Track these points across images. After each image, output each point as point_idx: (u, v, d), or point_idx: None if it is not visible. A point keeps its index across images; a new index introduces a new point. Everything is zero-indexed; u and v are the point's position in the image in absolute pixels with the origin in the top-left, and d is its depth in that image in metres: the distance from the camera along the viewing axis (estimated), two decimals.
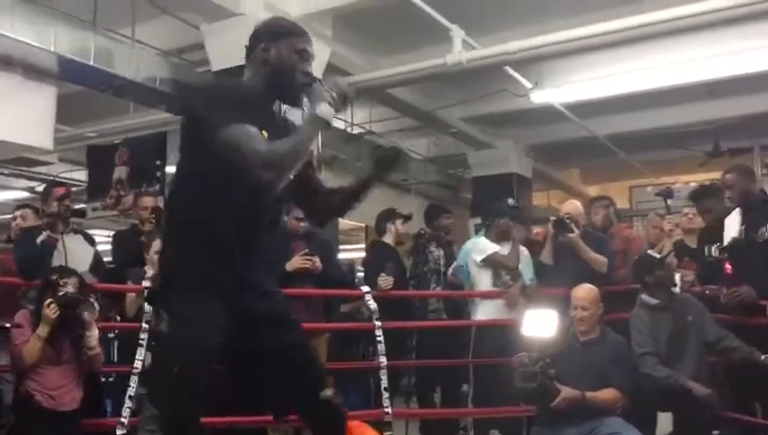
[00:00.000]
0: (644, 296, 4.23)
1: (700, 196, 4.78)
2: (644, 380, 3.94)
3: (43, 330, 3.79)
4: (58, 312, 3.79)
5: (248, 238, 2.33)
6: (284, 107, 2.38)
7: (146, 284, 4.26)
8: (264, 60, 2.37)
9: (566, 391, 3.64)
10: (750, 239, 4.11)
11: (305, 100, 2.30)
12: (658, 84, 7.27)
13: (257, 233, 2.37)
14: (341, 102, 2.24)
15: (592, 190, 12.41)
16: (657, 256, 4.31)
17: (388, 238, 5.39)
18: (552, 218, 5.06)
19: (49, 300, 3.80)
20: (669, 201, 5.90)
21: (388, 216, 5.44)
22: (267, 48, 2.37)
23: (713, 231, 4.53)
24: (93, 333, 3.89)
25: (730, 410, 3.99)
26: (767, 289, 3.86)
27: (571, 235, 4.84)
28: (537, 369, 3.62)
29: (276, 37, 2.39)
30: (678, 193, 6.36)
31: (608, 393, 3.73)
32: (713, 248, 4.50)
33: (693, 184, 11.01)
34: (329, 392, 2.34)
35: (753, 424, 4.06)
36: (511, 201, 5.60)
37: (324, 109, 2.20)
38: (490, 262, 4.99)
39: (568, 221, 4.91)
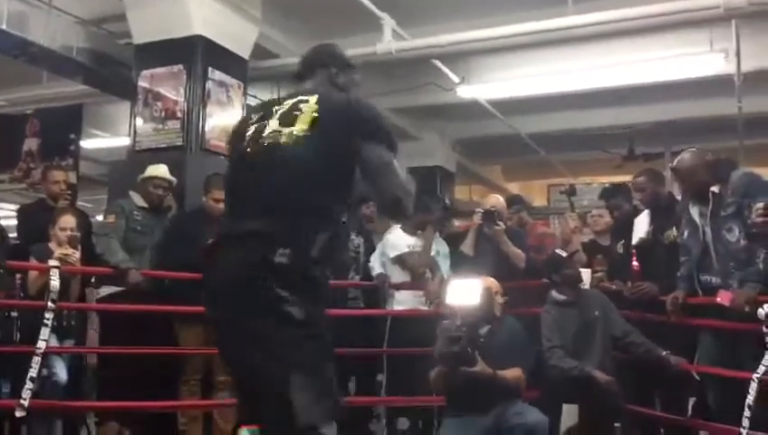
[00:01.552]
0: (553, 293, 4.37)
1: (610, 194, 4.95)
2: (551, 371, 4.07)
3: None
4: None
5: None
6: None
7: (52, 262, 4.07)
8: (332, 84, 2.49)
9: (480, 366, 3.71)
10: (657, 240, 4.29)
11: None
12: (580, 87, 7.48)
13: None
14: None
15: (513, 187, 12.69)
16: (564, 254, 4.44)
17: None
18: (480, 209, 5.11)
19: None
20: (574, 198, 6.08)
21: None
22: (336, 74, 2.51)
23: (623, 229, 4.69)
24: None
25: (631, 403, 4.15)
26: (669, 287, 4.02)
27: (496, 227, 4.93)
28: (461, 333, 3.67)
29: (347, 67, 2.57)
30: (581, 191, 6.54)
31: (513, 372, 3.84)
32: (618, 245, 4.67)
33: (604, 185, 11.47)
34: None
35: (652, 416, 4.26)
36: (447, 201, 5.62)
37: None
38: (399, 261, 5.04)
39: (495, 214, 5.00)
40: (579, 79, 7.32)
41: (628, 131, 9.41)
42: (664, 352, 3.99)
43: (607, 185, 6.25)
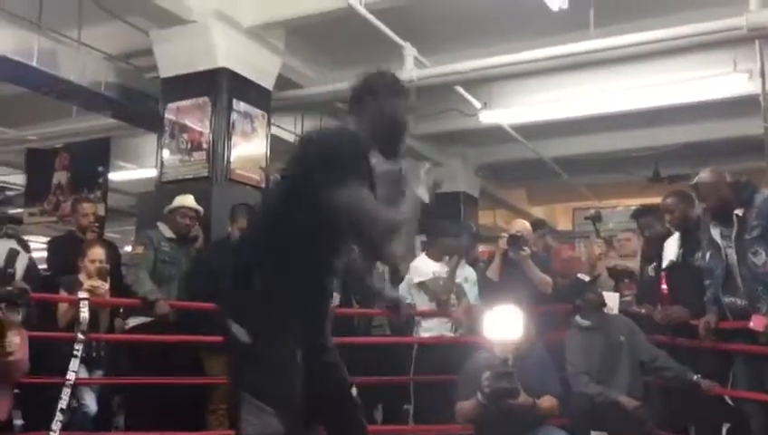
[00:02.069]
0: (577, 318, 4.33)
1: (641, 214, 4.91)
2: (577, 398, 4.02)
3: None
4: None
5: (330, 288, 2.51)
6: (374, 159, 2.37)
7: (81, 294, 4.13)
8: (380, 112, 2.44)
9: (523, 397, 3.65)
10: (687, 263, 4.23)
11: (403, 164, 2.42)
12: (603, 110, 7.45)
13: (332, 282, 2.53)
14: (433, 189, 2.45)
15: (537, 211, 12.63)
16: (587, 278, 4.40)
17: None
18: (507, 234, 5.10)
19: None
20: (599, 224, 6.03)
21: None
22: (385, 102, 2.46)
23: (654, 252, 4.64)
24: (15, 340, 3.73)
25: (664, 429, 4.07)
26: (699, 310, 3.96)
27: (522, 252, 4.91)
28: (510, 369, 3.59)
29: (396, 94, 2.51)
30: (606, 215, 6.50)
31: (549, 401, 3.78)
32: (649, 268, 4.61)
33: (629, 208, 11.38)
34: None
35: None
36: (473, 227, 5.61)
37: (423, 193, 2.36)
38: (424, 287, 5.03)
39: (521, 239, 4.98)
40: (601, 102, 7.30)
41: (652, 154, 9.35)
42: (695, 377, 3.92)
43: (633, 207, 6.20)
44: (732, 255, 3.73)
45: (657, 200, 4.86)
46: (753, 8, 4.98)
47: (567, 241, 9.63)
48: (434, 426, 4.69)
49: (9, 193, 8.52)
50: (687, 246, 4.26)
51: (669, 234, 4.47)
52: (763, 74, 6.21)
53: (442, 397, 4.40)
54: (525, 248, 4.93)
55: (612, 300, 4.53)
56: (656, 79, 6.84)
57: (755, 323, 3.54)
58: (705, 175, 3.91)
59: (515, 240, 4.97)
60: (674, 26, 5.30)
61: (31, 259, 4.78)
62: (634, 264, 5.15)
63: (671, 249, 4.37)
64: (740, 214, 3.68)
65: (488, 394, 3.64)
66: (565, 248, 6.00)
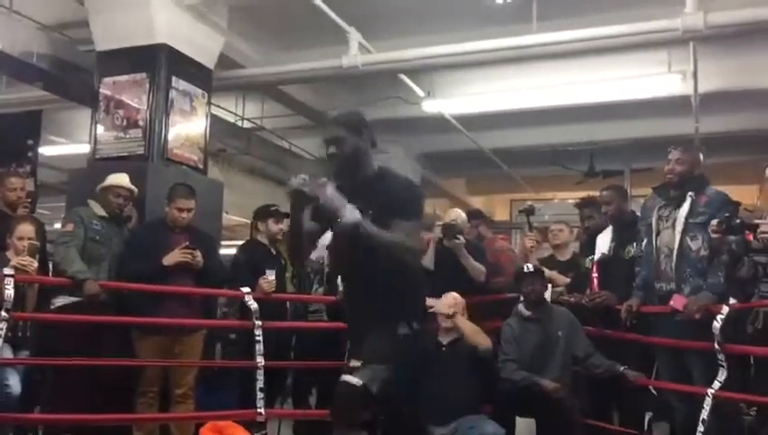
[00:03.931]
0: (520, 307, 4.41)
1: (583, 205, 5.02)
2: (503, 384, 4.12)
3: None
4: None
5: None
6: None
7: (6, 271, 3.98)
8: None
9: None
10: (618, 256, 4.36)
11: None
12: (543, 103, 7.60)
13: None
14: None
15: (476, 201, 12.79)
16: (531, 269, 4.48)
17: (262, 237, 5.26)
18: (441, 223, 5.14)
19: None
20: (532, 218, 6.15)
21: (261, 214, 5.31)
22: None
23: (591, 244, 4.77)
24: None
25: (589, 417, 4.20)
26: (626, 299, 4.10)
27: (457, 241, 4.95)
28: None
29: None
30: (541, 208, 6.63)
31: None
32: (586, 260, 4.74)
33: (564, 201, 11.62)
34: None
35: (610, 431, 4.31)
36: None
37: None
38: None
39: (456, 227, 5.02)
40: (542, 96, 7.44)
41: (588, 148, 9.58)
42: (622, 368, 4.05)
43: (570, 201, 6.34)
44: (666, 236, 3.84)
45: (592, 194, 5.00)
46: (689, 10, 5.15)
47: (504, 232, 9.82)
48: None
49: None
50: (620, 239, 4.39)
51: (606, 225, 4.60)
52: (695, 76, 6.43)
53: None
54: (459, 237, 4.98)
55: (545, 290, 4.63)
56: (595, 75, 7.01)
57: (675, 302, 3.67)
58: (693, 148, 4.08)
59: (450, 229, 5.02)
60: (614, 24, 5.43)
61: None
62: (563, 255, 5.30)
63: (603, 242, 4.50)
64: (693, 196, 3.79)
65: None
66: (498, 239, 6.09)
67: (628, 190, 5.82)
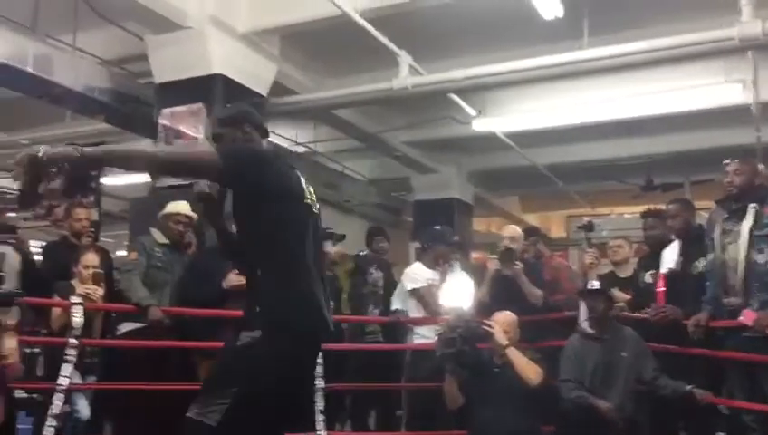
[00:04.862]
0: (583, 324, 4.34)
1: (648, 214, 4.93)
2: (564, 404, 4.05)
3: None
4: None
5: None
6: None
7: (74, 299, 4.12)
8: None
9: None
10: (686, 271, 4.25)
11: None
12: (597, 118, 7.49)
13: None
14: None
15: (531, 218, 12.67)
16: (597, 286, 4.40)
17: None
18: (499, 250, 5.11)
19: None
20: (591, 234, 6.05)
21: None
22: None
23: (651, 258, 4.66)
24: (8, 343, 3.72)
25: None
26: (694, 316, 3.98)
27: (516, 267, 4.92)
28: (456, 335, 3.85)
29: None
30: (599, 223, 6.51)
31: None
32: (646, 275, 4.63)
33: (622, 215, 11.41)
34: None
35: None
36: (456, 238, 5.62)
37: None
38: (417, 295, 5.03)
39: (514, 253, 4.99)
40: (596, 110, 7.34)
41: (645, 162, 9.39)
42: (689, 387, 3.93)
43: (626, 215, 6.21)
44: (732, 250, 3.73)
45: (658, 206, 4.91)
46: (745, 19, 5.02)
47: (561, 249, 9.68)
48: (427, 432, 4.69)
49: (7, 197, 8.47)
50: (687, 254, 4.28)
51: (670, 241, 4.50)
52: (755, 84, 6.26)
53: (435, 403, 4.42)
54: (518, 263, 4.95)
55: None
56: (649, 88, 6.89)
57: (745, 317, 3.57)
58: (747, 159, 3.96)
59: (508, 256, 4.98)
60: (667, 36, 5.34)
61: (32, 264, 4.78)
62: (623, 271, 5.19)
63: (670, 257, 4.39)
64: (757, 208, 3.69)
65: (439, 361, 4.00)
66: (555, 256, 6.02)
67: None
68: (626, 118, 7.46)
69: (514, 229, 5.44)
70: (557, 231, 13.57)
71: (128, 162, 2.44)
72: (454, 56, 6.57)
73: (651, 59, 5.46)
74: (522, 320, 4.41)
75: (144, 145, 2.23)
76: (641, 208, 5.31)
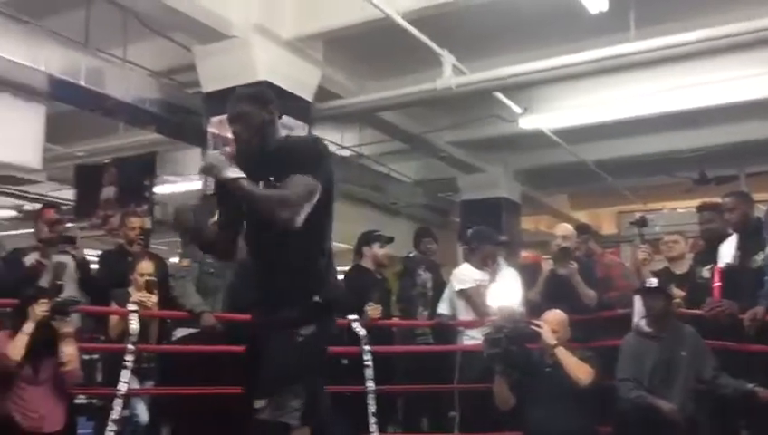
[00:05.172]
0: (641, 322, 4.25)
1: (704, 207, 4.82)
2: (622, 404, 3.98)
3: (28, 327, 3.76)
4: (47, 313, 3.76)
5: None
6: None
7: (130, 307, 4.23)
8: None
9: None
10: (744, 266, 4.14)
11: None
12: (646, 111, 7.34)
13: None
14: None
15: (581, 216, 12.47)
16: (655, 284, 4.31)
17: (367, 262, 5.33)
18: (554, 250, 5.05)
19: (42, 300, 3.78)
20: (644, 230, 5.92)
21: (365, 239, 5.39)
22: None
23: (708, 253, 4.56)
24: (68, 350, 3.84)
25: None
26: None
27: (572, 266, 4.86)
28: (501, 335, 3.86)
29: None
30: (651, 218, 6.37)
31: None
32: (703, 270, 4.53)
33: (675, 210, 11.15)
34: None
35: None
36: (503, 237, 5.58)
37: None
38: (465, 296, 5.00)
39: (568, 251, 4.94)
40: (644, 104, 7.20)
41: (698, 155, 9.15)
42: (750, 385, 3.83)
43: (680, 210, 6.07)
44: None
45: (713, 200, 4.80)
46: None
47: (612, 246, 9.51)
48: (480, 434, 4.67)
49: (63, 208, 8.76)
50: (745, 248, 4.17)
51: (727, 235, 4.39)
52: None
53: (487, 404, 4.39)
54: (573, 262, 4.89)
55: (640, 302, 4.46)
56: (699, 79, 6.72)
57: None
58: None
59: (564, 254, 4.92)
60: (716, 26, 5.21)
61: (89, 273, 4.93)
62: (679, 267, 5.07)
63: (727, 251, 4.29)
64: None
65: (486, 359, 4.03)
66: (608, 254, 5.92)
67: None
68: (676, 110, 7.29)
69: (567, 228, 5.37)
70: (608, 228, 13.33)
71: (262, 203, 2.48)
72: (497, 54, 6.52)
73: (699, 50, 5.33)
74: (574, 319, 4.35)
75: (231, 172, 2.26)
76: (695, 203, 5.20)
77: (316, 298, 2.47)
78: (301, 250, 2.50)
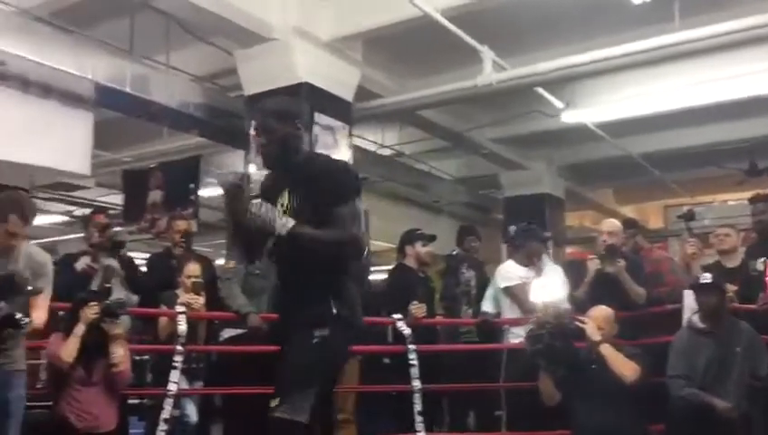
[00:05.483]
0: (693, 318, 4.16)
1: (758, 199, 4.70)
2: (675, 402, 3.90)
3: (79, 329, 3.85)
4: (97, 315, 3.85)
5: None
6: None
7: (179, 308, 4.30)
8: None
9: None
10: None
11: None
12: (692, 102, 7.17)
13: None
14: None
15: (627, 210, 12.26)
16: (708, 280, 4.21)
17: (410, 261, 5.33)
18: (600, 249, 4.97)
19: (93, 303, 3.87)
20: (692, 223, 5.79)
21: (407, 238, 5.38)
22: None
23: (761, 246, 4.44)
24: (118, 351, 3.93)
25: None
26: None
27: (620, 263, 4.78)
28: (543, 331, 3.85)
29: None
30: (701, 214, 6.22)
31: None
32: (757, 263, 4.41)
33: (725, 203, 10.87)
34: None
35: None
36: (548, 234, 5.51)
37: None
38: (510, 293, 4.96)
39: (616, 248, 4.86)
40: (690, 94, 7.03)
41: (747, 145, 8.92)
42: None
43: (730, 202, 5.92)
44: None
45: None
46: None
47: (659, 240, 9.33)
48: (527, 432, 4.63)
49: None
50: None
51: None
52: None
53: (535, 402, 4.35)
54: (620, 260, 4.80)
55: (690, 298, 4.36)
56: (747, 68, 6.54)
57: None
58: None
59: (612, 251, 4.84)
60: (762, 14, 5.06)
61: (136, 275, 5.03)
62: (730, 261, 4.95)
63: None
64: None
65: (529, 355, 4.02)
66: (655, 249, 5.80)
67: None
68: (724, 100, 7.11)
69: (614, 223, 5.28)
70: (655, 222, 13.07)
71: (325, 248, 2.57)
72: (538, 49, 6.45)
73: (746, 38, 5.18)
74: (622, 316, 4.28)
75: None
76: (746, 195, 5.06)
77: (333, 309, 2.56)
78: (321, 265, 2.60)
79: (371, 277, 6.39)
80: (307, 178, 2.64)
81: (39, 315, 3.28)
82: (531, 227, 5.31)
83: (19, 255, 3.31)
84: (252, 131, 2.70)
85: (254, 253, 2.93)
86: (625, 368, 3.95)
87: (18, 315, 3.12)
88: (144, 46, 5.91)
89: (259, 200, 2.57)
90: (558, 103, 7.15)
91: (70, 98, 5.62)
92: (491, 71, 5.92)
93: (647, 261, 5.22)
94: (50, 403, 4.06)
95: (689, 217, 5.72)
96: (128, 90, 5.65)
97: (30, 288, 3.25)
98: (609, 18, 5.89)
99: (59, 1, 5.32)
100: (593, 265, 4.94)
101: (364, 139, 8.27)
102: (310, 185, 2.62)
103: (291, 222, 2.51)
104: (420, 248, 5.24)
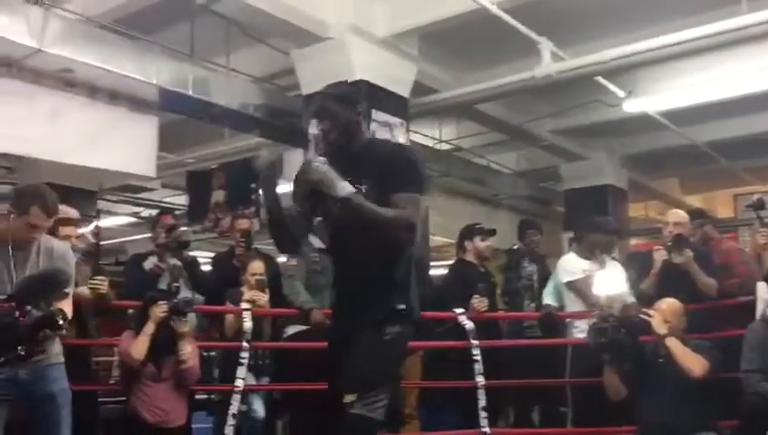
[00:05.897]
0: (766, 310, 4.03)
1: None
2: (749, 398, 3.77)
3: (149, 327, 3.96)
4: (166, 313, 3.96)
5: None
6: None
7: (244, 306, 4.39)
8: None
9: None
10: None
11: None
12: (759, 88, 6.92)
13: None
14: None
15: (693, 200, 11.92)
16: None
17: (470, 256, 5.29)
18: (667, 239, 4.84)
19: (161, 302, 3.98)
20: (763, 212, 5.56)
21: (467, 233, 5.35)
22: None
23: None
24: (186, 348, 4.03)
25: None
26: None
27: (689, 253, 4.65)
28: (607, 325, 3.78)
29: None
30: None
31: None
32: None
33: None
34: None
35: None
36: (611, 221, 5.40)
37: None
38: (574, 287, 4.87)
39: (684, 239, 4.72)
40: (758, 79, 6.78)
41: None
42: None
43: None
44: None
45: None
46: None
47: (729, 230, 9.02)
48: (593, 428, 4.55)
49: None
50: None
51: None
52: None
53: (600, 398, 4.27)
54: (688, 251, 4.66)
55: (763, 289, 4.20)
56: None
57: None
58: None
59: (680, 242, 4.70)
60: None
61: (198, 271, 5.15)
62: None
63: None
64: None
65: (593, 349, 3.97)
66: (725, 239, 5.62)
67: None
68: None
69: (680, 214, 5.13)
70: (723, 212, 12.65)
71: (382, 224, 2.50)
72: (597, 38, 6.32)
73: None
74: (691, 308, 4.16)
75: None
76: None
77: (400, 306, 2.53)
78: (385, 260, 2.56)
79: (432, 273, 6.42)
80: (371, 161, 2.59)
81: (66, 310, 3.15)
82: (597, 220, 5.22)
83: (39, 248, 3.21)
84: (312, 130, 2.65)
85: (287, 241, 2.79)
86: (692, 362, 3.83)
87: (57, 317, 3.00)
88: (204, 50, 6.04)
89: (323, 159, 2.51)
90: (619, 92, 6.99)
91: (135, 103, 5.79)
92: (549, 61, 5.83)
93: (716, 252, 5.06)
94: (123, 399, 4.20)
95: (760, 205, 5.50)
96: (190, 93, 5.78)
97: (67, 290, 3.20)
98: (671, 2, 5.73)
99: (123, 9, 5.48)
100: (660, 256, 4.80)
101: (421, 134, 8.26)
102: (374, 168, 2.56)
103: (352, 188, 2.44)
104: (479, 243, 5.21)
